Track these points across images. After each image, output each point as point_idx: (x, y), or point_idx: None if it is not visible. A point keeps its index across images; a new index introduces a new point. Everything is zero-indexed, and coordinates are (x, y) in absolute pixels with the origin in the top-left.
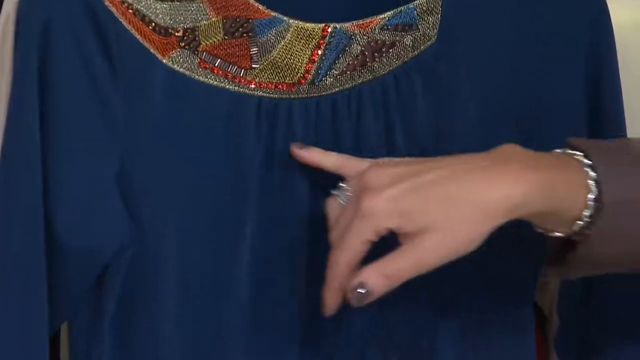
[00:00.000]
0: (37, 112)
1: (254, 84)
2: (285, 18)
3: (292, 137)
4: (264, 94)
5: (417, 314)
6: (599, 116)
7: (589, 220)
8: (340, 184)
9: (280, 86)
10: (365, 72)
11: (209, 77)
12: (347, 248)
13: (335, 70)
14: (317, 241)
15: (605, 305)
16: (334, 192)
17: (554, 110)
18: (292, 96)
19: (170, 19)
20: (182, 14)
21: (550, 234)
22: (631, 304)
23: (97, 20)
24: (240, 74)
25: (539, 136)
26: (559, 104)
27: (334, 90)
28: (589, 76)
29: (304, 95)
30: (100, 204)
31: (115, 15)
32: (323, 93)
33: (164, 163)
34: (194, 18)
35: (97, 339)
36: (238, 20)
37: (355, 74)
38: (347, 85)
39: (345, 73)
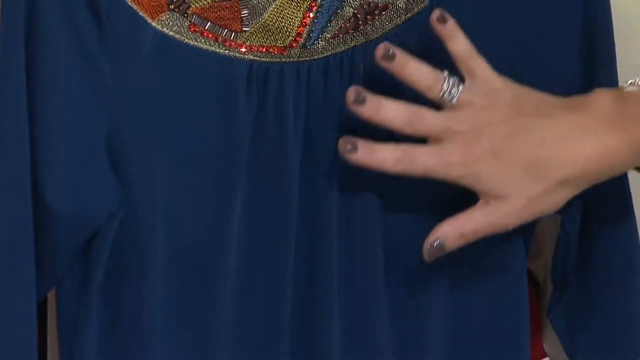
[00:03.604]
0: (23, 76)
1: (245, 48)
2: None
3: (283, 101)
4: (255, 58)
5: (407, 279)
6: (592, 75)
7: None
8: (457, 80)
9: (271, 50)
10: (358, 36)
11: (199, 40)
12: (404, 163)
13: (328, 33)
14: (308, 206)
15: (598, 272)
16: (447, 73)
17: (548, 71)
18: (283, 60)
19: None
20: None
21: None
22: (622, 270)
23: None
24: (230, 37)
25: None
26: (553, 64)
27: (326, 54)
28: (583, 35)
29: (295, 59)
30: (88, 168)
31: None
32: (315, 57)
33: (153, 128)
34: None
35: (84, 307)
36: None
37: (348, 37)
38: (339, 49)
39: (338, 36)
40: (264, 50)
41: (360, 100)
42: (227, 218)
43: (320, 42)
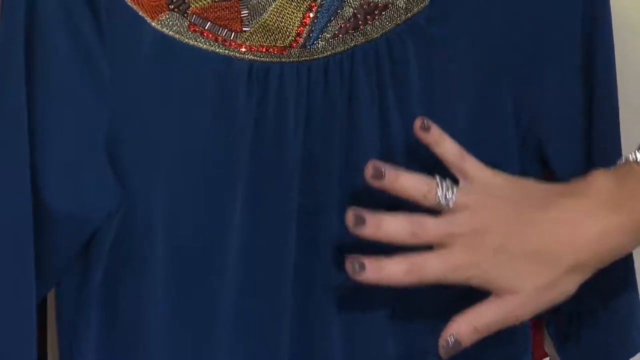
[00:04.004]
0: (23, 75)
1: (245, 48)
2: None
3: (283, 101)
4: (255, 58)
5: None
6: (592, 76)
7: None
8: (449, 183)
9: (271, 50)
10: (358, 35)
11: (198, 40)
12: (414, 274)
13: (327, 33)
14: (308, 208)
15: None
16: (439, 178)
17: (548, 71)
18: (283, 60)
19: None
20: None
21: None
22: (621, 277)
23: None
24: (230, 37)
25: (532, 99)
26: (553, 65)
27: (325, 54)
28: (583, 36)
29: (295, 59)
30: (87, 168)
31: None
32: (315, 57)
33: (153, 128)
34: None
35: (84, 307)
36: None
37: (348, 37)
38: (339, 49)
39: (338, 36)
40: (264, 50)
41: (360, 222)
42: (226, 218)
43: (320, 42)
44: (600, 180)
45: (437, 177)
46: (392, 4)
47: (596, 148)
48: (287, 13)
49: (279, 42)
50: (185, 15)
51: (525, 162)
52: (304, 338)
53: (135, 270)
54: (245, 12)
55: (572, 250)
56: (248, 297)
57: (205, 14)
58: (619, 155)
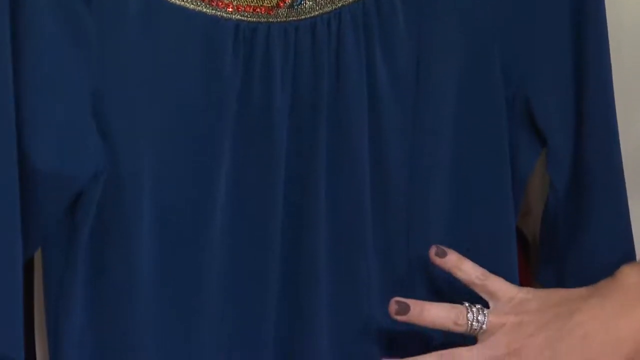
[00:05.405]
0: (7, 35)
1: (232, 7)
2: None
3: (270, 61)
4: (242, 18)
5: (395, 230)
6: (582, 35)
7: None
8: (479, 306)
9: (258, 9)
10: None
11: (185, 0)
12: None
13: None
14: (295, 164)
15: (588, 232)
16: (467, 304)
17: (537, 30)
18: (270, 20)
19: None
20: None
21: None
22: (614, 230)
23: None
24: None
25: (521, 57)
26: (543, 24)
27: (313, 14)
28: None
29: (282, 19)
30: (73, 129)
31: None
32: (302, 17)
33: (140, 88)
34: None
35: (70, 268)
36: None
37: None
38: (326, 9)
39: None
40: (251, 10)
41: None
42: (213, 179)
43: (307, 1)
44: (628, 275)
45: (466, 303)
46: None
47: (587, 105)
48: None
49: (266, 2)
50: None
51: (514, 122)
52: (291, 300)
53: (122, 230)
54: None
55: (616, 348)
56: (235, 258)
57: None
58: (611, 110)
